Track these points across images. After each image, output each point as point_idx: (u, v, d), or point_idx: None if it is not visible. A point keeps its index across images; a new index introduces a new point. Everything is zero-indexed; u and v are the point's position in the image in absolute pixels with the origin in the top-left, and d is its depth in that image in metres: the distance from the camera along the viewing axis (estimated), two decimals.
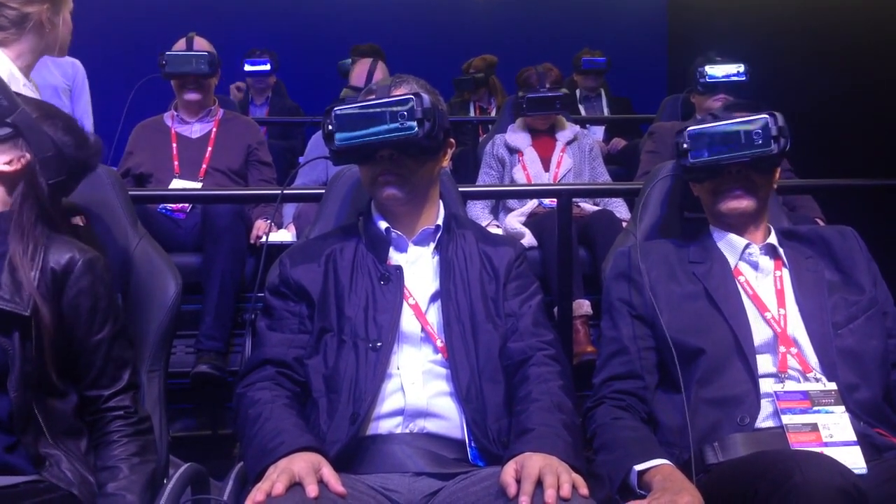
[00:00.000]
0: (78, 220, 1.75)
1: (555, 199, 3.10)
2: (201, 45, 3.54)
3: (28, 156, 1.59)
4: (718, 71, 3.55)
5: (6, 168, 1.58)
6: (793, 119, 1.81)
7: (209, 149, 3.46)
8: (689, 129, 1.83)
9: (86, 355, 1.58)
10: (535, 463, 1.36)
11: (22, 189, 1.58)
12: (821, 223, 3.29)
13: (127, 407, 1.60)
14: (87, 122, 4.06)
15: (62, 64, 4.16)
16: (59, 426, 1.53)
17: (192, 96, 3.52)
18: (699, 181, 1.87)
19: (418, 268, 1.73)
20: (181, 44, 3.54)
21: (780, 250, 1.84)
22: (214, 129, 3.53)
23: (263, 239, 3.10)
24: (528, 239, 3.37)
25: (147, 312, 1.75)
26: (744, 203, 1.80)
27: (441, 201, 1.82)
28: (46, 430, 1.51)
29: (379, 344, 1.60)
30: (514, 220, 3.51)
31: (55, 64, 4.14)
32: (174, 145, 3.47)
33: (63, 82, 4.09)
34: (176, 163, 3.42)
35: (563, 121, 3.90)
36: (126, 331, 1.67)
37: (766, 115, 1.78)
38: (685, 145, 1.81)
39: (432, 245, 1.76)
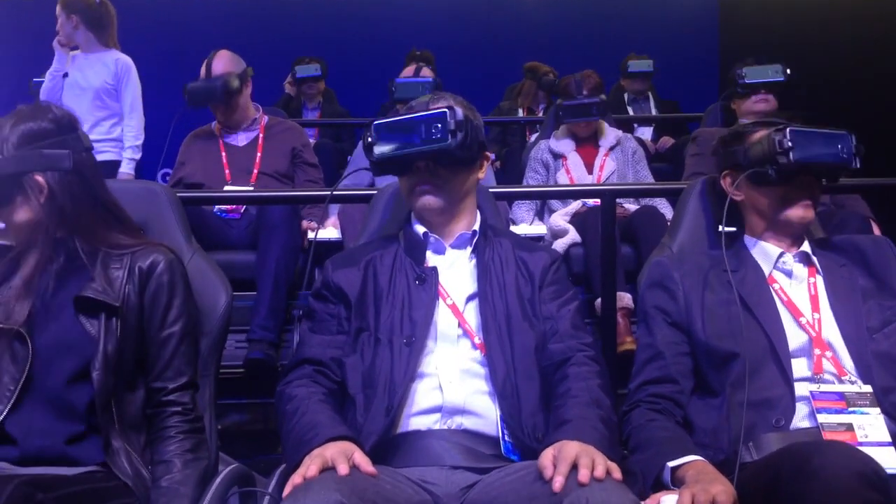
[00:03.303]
0: None
1: (598, 200, 3.10)
2: (222, 60, 3.49)
3: (42, 185, 1.63)
4: (757, 70, 3.53)
5: (25, 217, 1.65)
6: (846, 122, 1.84)
7: (258, 154, 3.52)
8: (790, 128, 1.82)
9: (156, 347, 1.67)
10: (571, 448, 1.41)
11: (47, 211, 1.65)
12: (872, 223, 3.24)
13: (185, 403, 1.67)
14: (135, 115, 4.11)
15: (107, 63, 4.10)
16: (129, 419, 1.62)
17: (219, 119, 3.57)
18: (774, 184, 1.83)
19: (455, 270, 1.79)
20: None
21: (814, 258, 1.84)
22: (261, 135, 3.58)
23: (311, 235, 3.17)
24: (572, 235, 3.38)
25: (199, 323, 1.81)
26: (810, 213, 1.84)
27: (478, 212, 1.87)
28: (117, 422, 1.59)
29: (413, 339, 1.66)
30: (559, 218, 3.53)
31: (102, 63, 4.09)
32: (223, 154, 3.52)
33: (104, 82, 4.07)
34: (227, 171, 3.46)
35: (605, 127, 3.89)
36: (195, 333, 1.75)
37: (846, 132, 1.83)
38: (788, 143, 1.79)
39: (469, 249, 1.81)
